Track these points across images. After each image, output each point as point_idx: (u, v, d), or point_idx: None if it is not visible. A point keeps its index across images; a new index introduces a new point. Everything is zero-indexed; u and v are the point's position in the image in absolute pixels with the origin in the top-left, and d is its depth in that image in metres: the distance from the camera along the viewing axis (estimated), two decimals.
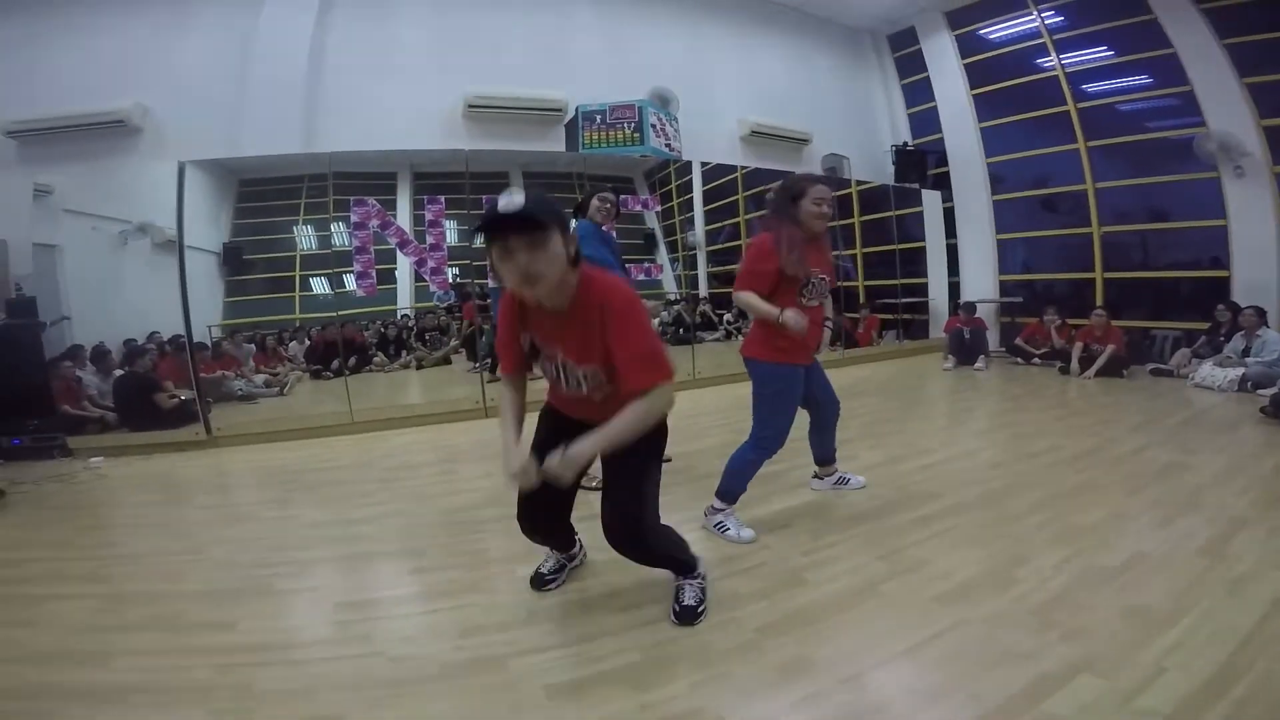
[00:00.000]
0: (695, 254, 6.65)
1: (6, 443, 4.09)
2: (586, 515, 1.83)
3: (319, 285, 5.47)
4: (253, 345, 5.30)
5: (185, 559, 2.31)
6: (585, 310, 1.40)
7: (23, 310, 4.26)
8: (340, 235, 4.97)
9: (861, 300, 7.81)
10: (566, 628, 1.73)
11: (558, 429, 1.58)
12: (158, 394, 4.34)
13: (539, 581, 1.95)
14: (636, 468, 1.57)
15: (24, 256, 4.39)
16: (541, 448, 1.50)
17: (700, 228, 6.60)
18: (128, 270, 4.47)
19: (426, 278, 5.16)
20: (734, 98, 7.34)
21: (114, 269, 4.48)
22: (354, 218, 4.78)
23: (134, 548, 2.48)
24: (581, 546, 2.06)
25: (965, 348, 6.50)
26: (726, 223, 6.93)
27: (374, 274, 4.88)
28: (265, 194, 5.36)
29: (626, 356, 1.38)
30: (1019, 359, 6.48)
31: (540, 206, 1.27)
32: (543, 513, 1.73)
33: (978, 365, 6.20)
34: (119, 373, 4.38)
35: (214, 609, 1.92)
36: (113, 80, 5.16)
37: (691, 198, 6.55)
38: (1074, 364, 5.66)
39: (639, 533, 1.59)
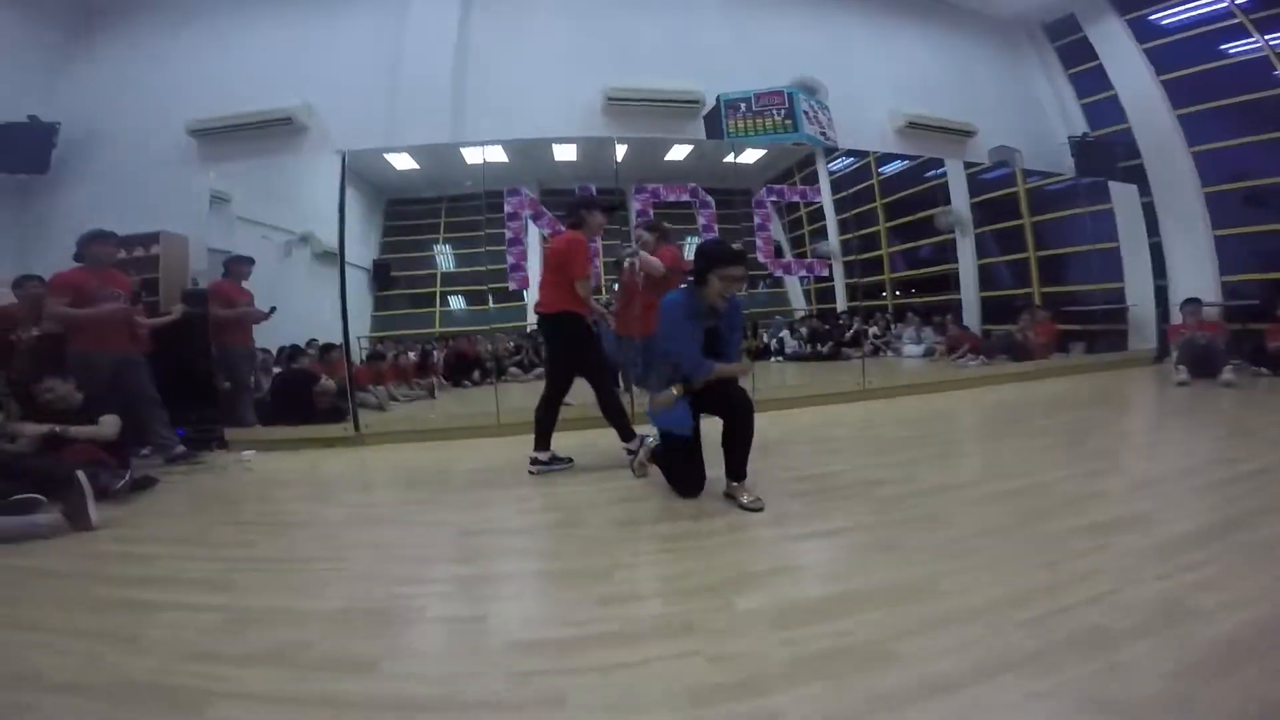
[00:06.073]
0: (830, 265, 5.67)
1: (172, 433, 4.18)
2: None
3: (455, 301, 5.59)
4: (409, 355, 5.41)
5: (322, 567, 1.92)
6: None
7: (196, 300, 4.40)
8: (479, 256, 4.94)
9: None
10: (844, 685, 1.13)
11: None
12: (317, 386, 4.35)
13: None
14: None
15: (200, 253, 4.70)
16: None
17: (834, 236, 5.68)
18: (290, 278, 4.60)
19: None
20: (882, 89, 6.66)
21: (278, 276, 4.60)
22: (508, 208, 4.68)
23: (268, 550, 2.13)
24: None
25: (1201, 357, 5.14)
26: (859, 233, 5.89)
27: (526, 268, 4.68)
28: (410, 213, 5.51)
29: None
30: (1263, 369, 5.04)
31: None
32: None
33: (1226, 377, 4.83)
34: (277, 370, 4.45)
35: (350, 640, 1.45)
36: (281, 79, 5.48)
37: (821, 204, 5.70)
38: None
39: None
